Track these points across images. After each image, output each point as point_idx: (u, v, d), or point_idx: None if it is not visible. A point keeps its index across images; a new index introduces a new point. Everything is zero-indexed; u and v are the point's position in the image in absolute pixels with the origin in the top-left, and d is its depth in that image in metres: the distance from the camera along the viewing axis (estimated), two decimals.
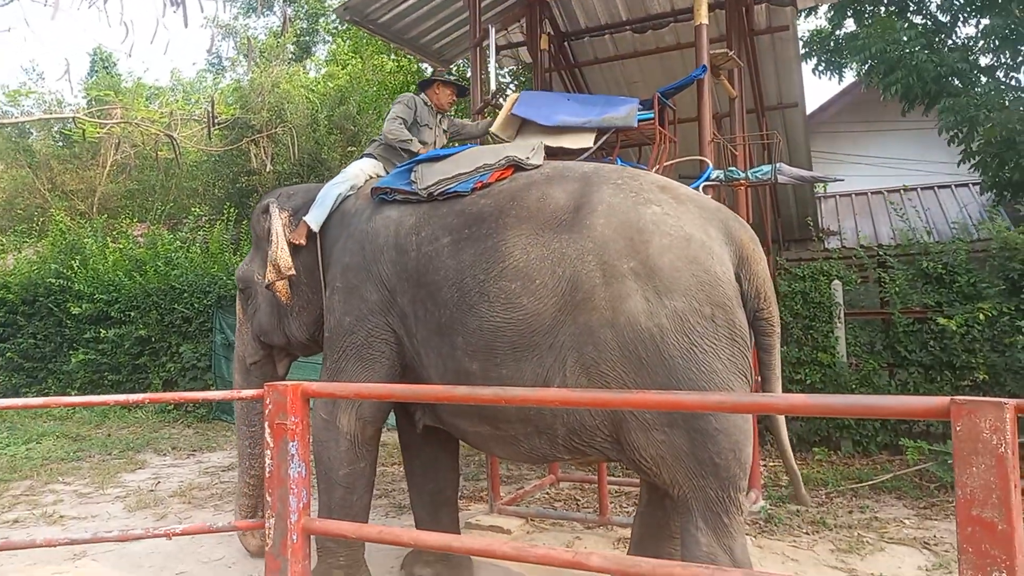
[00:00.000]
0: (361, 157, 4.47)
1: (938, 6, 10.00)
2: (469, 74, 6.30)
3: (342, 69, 15.63)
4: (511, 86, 12.37)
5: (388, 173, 4.18)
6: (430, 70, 12.95)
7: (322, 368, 3.86)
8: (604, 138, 4.41)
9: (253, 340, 4.34)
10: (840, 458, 6.64)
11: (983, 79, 9.13)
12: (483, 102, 5.58)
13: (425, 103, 4.63)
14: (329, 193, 4.07)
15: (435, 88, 4.69)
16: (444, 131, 4.74)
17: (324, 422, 3.65)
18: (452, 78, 4.76)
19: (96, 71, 21.46)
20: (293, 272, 3.91)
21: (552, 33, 7.27)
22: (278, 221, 4.01)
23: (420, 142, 4.43)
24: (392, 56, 14.43)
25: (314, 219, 4.01)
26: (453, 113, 12.20)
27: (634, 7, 7.35)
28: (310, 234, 4.01)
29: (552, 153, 4.12)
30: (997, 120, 8.00)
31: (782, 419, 3.37)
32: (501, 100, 5.78)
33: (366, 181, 4.18)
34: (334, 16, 11.04)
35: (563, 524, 5.13)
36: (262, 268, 4.19)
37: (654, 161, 4.42)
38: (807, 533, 4.84)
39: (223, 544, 4.68)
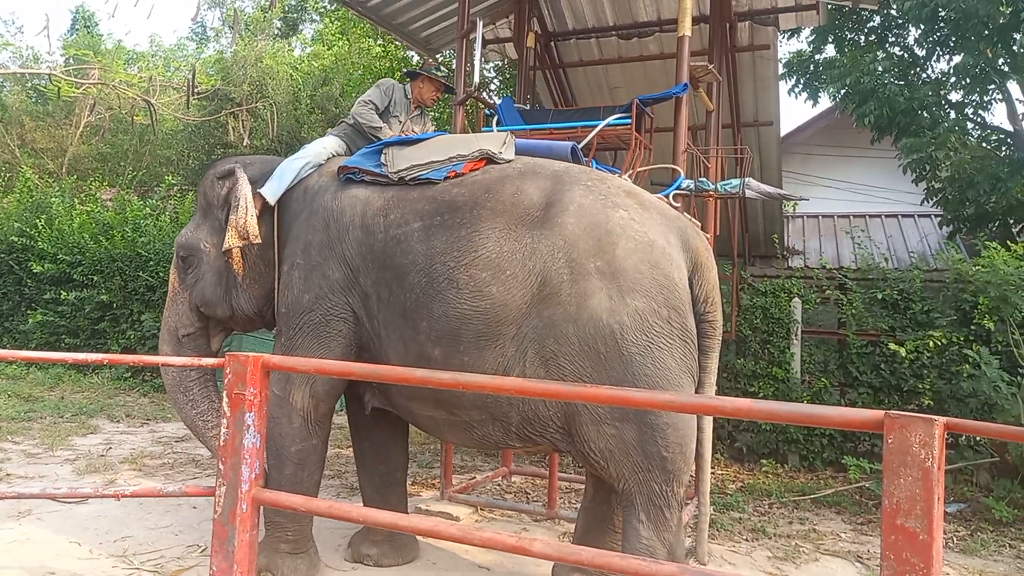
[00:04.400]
0: (326, 135, 4.40)
1: (915, 40, 10.27)
2: (454, 65, 6.34)
3: (328, 49, 15.55)
4: (495, 81, 12.42)
5: (352, 153, 4.14)
6: (416, 58, 12.95)
7: (275, 344, 3.85)
8: (588, 139, 4.56)
9: (190, 311, 4.18)
10: (786, 471, 6.81)
11: (952, 114, 9.41)
12: (465, 94, 5.62)
13: (405, 95, 4.52)
14: (288, 167, 3.99)
15: (419, 81, 4.55)
16: (417, 130, 4.54)
17: (277, 398, 3.63)
18: (439, 75, 4.60)
19: (77, 29, 21.08)
20: (259, 239, 3.83)
21: (539, 32, 7.34)
22: (247, 186, 3.89)
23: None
24: (379, 41, 14.37)
25: (271, 192, 3.92)
26: (433, 111, 12.22)
27: (621, 13, 7.46)
28: (265, 207, 3.94)
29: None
30: (957, 159, 8.27)
31: (708, 434, 3.40)
32: (484, 95, 5.83)
33: (328, 159, 4.12)
34: None
35: (512, 515, 5.21)
36: (211, 236, 4.10)
37: (628, 166, 4.51)
38: (747, 540, 4.97)
39: (171, 512, 4.68)
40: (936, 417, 1.95)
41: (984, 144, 9.26)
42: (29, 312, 10.36)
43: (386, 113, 4.44)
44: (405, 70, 4.86)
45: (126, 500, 4.44)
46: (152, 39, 24.02)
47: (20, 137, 16.41)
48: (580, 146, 4.51)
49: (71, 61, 16.15)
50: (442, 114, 12.46)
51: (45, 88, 16.41)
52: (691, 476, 3.30)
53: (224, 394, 2.94)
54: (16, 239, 10.62)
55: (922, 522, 1.97)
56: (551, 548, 2.58)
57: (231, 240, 3.81)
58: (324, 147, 4.19)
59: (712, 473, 6.32)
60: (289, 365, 3.21)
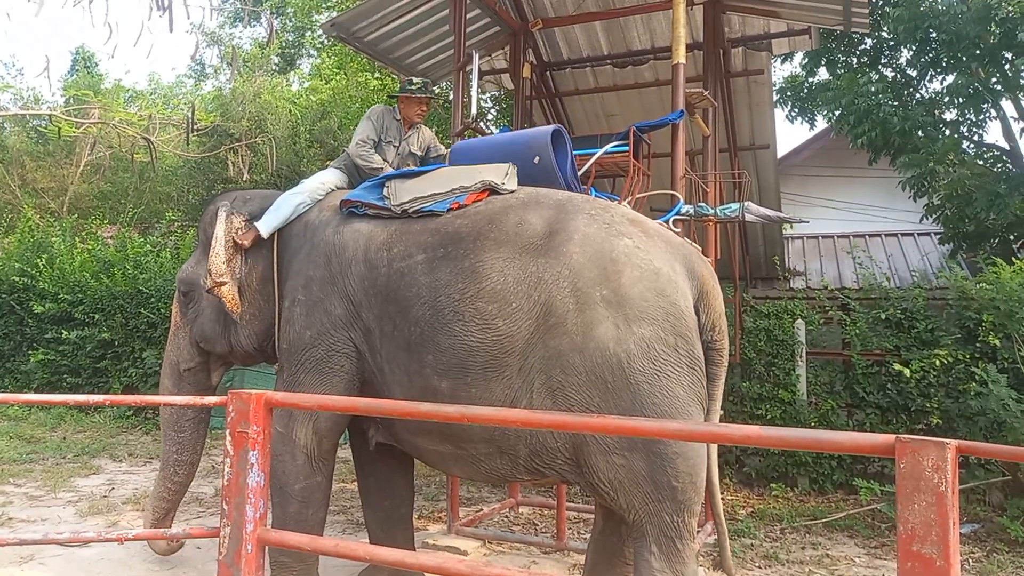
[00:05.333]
0: (326, 168, 4.39)
1: (907, 61, 10.36)
2: (451, 96, 6.39)
3: (326, 84, 15.69)
4: (492, 111, 12.51)
5: (353, 186, 4.15)
6: None
7: (277, 380, 3.83)
8: (587, 167, 4.58)
9: (190, 346, 4.20)
10: (796, 495, 6.74)
11: (947, 132, 9.47)
12: (463, 125, 5.66)
13: (395, 118, 4.50)
14: (286, 202, 3.98)
15: (400, 102, 4.51)
16: (414, 153, 4.53)
17: (280, 435, 3.59)
18: (413, 88, 4.50)
19: (77, 70, 21.31)
20: (225, 280, 3.82)
21: (535, 62, 7.41)
22: (221, 225, 3.90)
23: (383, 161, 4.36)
24: (376, 74, 14.51)
25: (265, 225, 3.92)
26: (435, 133, 12.32)
27: (615, 42, 7.54)
28: (259, 240, 3.94)
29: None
30: (955, 175, 8.30)
31: (714, 458, 3.40)
32: (482, 125, 5.87)
33: (328, 193, 4.11)
34: (320, 31, 11.17)
35: (520, 547, 5.14)
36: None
37: (627, 193, 4.52)
38: (759, 567, 4.90)
39: (175, 553, 4.61)
40: (948, 440, 1.92)
41: (980, 162, 9.29)
42: (31, 352, 10.33)
43: (380, 142, 4.43)
44: (389, 94, 4.80)
45: (129, 542, 4.38)
46: (151, 77, 24.26)
47: (21, 177, 16.50)
48: (579, 173, 4.55)
49: (71, 101, 16.27)
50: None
51: (46, 128, 16.54)
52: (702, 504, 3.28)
53: (227, 432, 2.91)
54: (17, 279, 10.62)
55: (938, 548, 1.93)
56: None
57: (206, 280, 3.83)
58: (322, 182, 4.17)
59: (722, 499, 6.27)
60: (292, 401, 3.18)
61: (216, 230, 3.91)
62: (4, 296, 10.82)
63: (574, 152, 4.91)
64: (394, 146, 4.47)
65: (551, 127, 4.01)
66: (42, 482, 6.46)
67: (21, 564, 4.36)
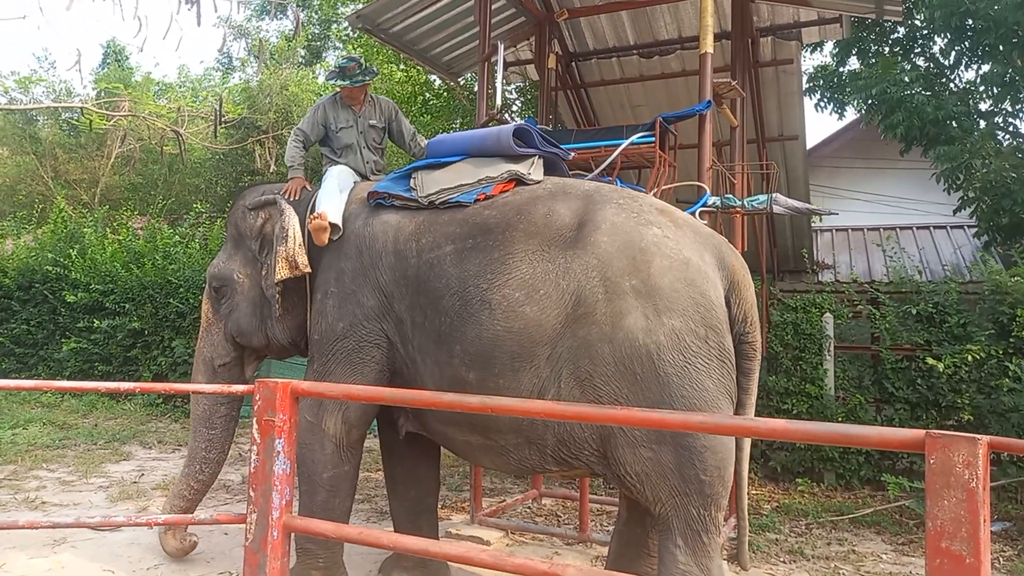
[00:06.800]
0: (331, 166, 4.40)
1: (940, 50, 10.15)
2: (476, 88, 6.37)
3: None
4: (517, 102, 12.48)
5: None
6: (439, 82, 13.06)
7: (307, 370, 3.85)
8: (612, 158, 4.55)
9: (225, 341, 4.20)
10: (823, 490, 6.67)
11: (981, 123, 9.26)
12: (488, 116, 5.65)
13: (341, 102, 4.51)
14: (332, 189, 3.99)
15: (342, 92, 4.52)
16: (374, 125, 4.53)
17: (309, 424, 3.63)
18: (335, 72, 4.52)
19: (108, 63, 21.56)
20: (309, 269, 3.84)
21: (560, 53, 7.38)
22: (295, 217, 3.92)
23: (344, 145, 4.42)
24: (401, 66, 14.53)
25: (335, 213, 3.87)
26: (460, 125, 12.28)
27: (642, 32, 7.47)
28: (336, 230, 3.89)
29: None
30: (992, 167, 8.11)
31: (746, 452, 3.38)
32: (507, 116, 5.85)
33: (354, 185, 4.16)
34: (346, 23, 11.22)
35: (543, 539, 5.15)
36: (244, 266, 4.14)
37: (653, 184, 4.49)
38: (784, 562, 4.86)
39: (202, 539, 4.67)
40: (979, 436, 1.89)
41: (1018, 153, 9.08)
42: (63, 340, 10.52)
43: (331, 131, 4.47)
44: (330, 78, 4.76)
45: (158, 527, 4.45)
46: (180, 70, 24.45)
47: (54, 169, 16.79)
48: (604, 166, 4.53)
49: (102, 94, 16.49)
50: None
51: (77, 121, 16.80)
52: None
53: (254, 421, 2.95)
54: (50, 269, 10.82)
55: (968, 545, 1.90)
56: (584, 574, 2.53)
57: (282, 272, 3.82)
58: (343, 171, 4.25)
59: (747, 493, 6.22)
60: (318, 391, 3.21)
61: (291, 221, 3.90)
62: (37, 286, 11.03)
63: (601, 143, 4.90)
64: (350, 126, 4.49)
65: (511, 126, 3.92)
66: (74, 467, 6.59)
67: (54, 547, 4.45)
